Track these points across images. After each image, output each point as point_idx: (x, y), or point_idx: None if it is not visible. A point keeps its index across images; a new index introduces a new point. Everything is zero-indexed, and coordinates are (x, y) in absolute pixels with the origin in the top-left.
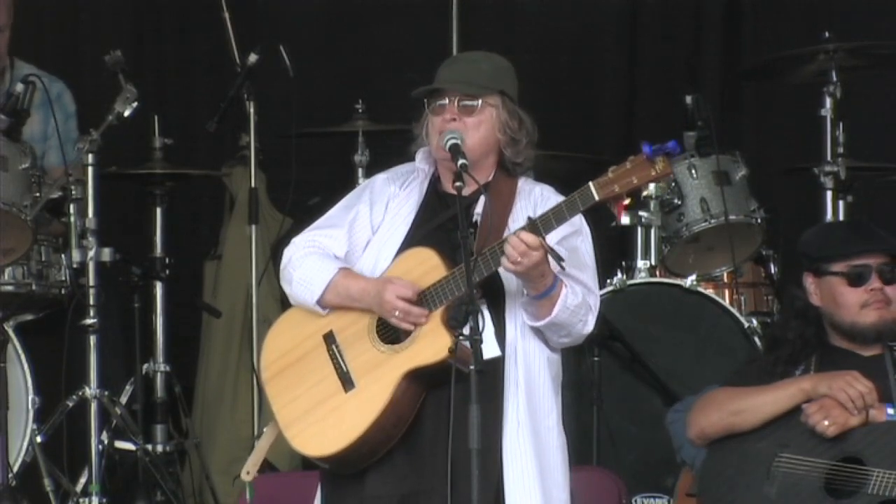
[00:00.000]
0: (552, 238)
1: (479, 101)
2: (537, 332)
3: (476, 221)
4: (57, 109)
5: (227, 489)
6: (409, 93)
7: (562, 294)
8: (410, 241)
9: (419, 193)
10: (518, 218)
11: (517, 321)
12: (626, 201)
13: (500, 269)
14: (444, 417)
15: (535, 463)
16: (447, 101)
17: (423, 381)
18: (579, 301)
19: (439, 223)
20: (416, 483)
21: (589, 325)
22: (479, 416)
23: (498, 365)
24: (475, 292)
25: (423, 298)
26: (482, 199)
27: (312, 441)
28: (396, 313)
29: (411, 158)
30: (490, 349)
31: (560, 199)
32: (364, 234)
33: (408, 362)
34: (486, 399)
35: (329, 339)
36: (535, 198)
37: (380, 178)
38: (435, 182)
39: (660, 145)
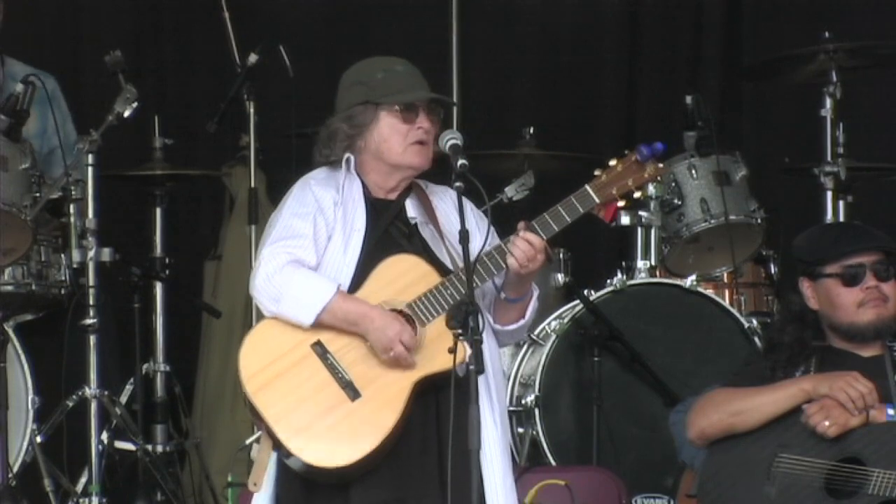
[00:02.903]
0: (481, 241)
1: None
2: (493, 332)
3: (415, 224)
4: (55, 108)
5: (235, 495)
6: None
7: (533, 297)
8: (367, 249)
9: (360, 199)
10: (444, 218)
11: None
12: (621, 203)
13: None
14: (432, 423)
15: (506, 461)
16: (419, 109)
17: (420, 388)
18: (538, 304)
19: (385, 228)
20: (400, 489)
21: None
22: (478, 416)
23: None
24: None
25: (423, 304)
26: (409, 203)
27: (326, 452)
28: (392, 353)
29: None
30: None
31: (465, 199)
32: (322, 241)
33: (420, 370)
34: (466, 402)
35: (319, 348)
36: (449, 196)
37: (311, 182)
38: (363, 188)
39: (651, 147)
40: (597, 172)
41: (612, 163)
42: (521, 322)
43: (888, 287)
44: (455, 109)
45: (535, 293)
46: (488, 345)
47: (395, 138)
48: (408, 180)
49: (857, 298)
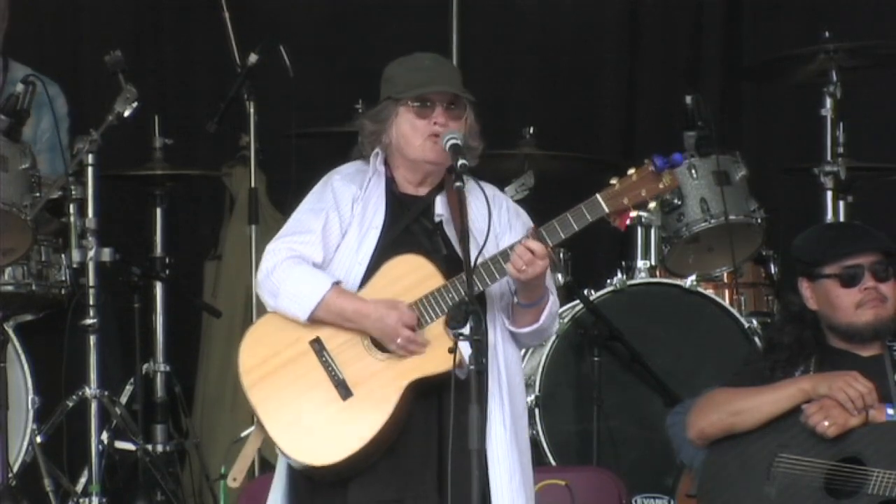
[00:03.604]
0: (514, 239)
1: (467, 106)
2: (511, 335)
3: (440, 222)
4: (53, 111)
5: (227, 489)
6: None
7: (549, 302)
8: (383, 246)
9: (381, 196)
10: (475, 216)
11: (497, 325)
12: (633, 214)
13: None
14: (433, 424)
15: (518, 465)
16: (435, 103)
17: (421, 389)
18: (557, 307)
19: (406, 225)
20: (399, 490)
21: (555, 329)
22: (479, 416)
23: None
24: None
25: (423, 306)
26: (439, 199)
27: (311, 450)
28: (399, 340)
29: None
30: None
31: (503, 196)
32: (335, 238)
33: (414, 371)
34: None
35: (317, 345)
36: (486, 195)
37: (335, 178)
38: (390, 183)
39: (667, 158)
40: (612, 181)
41: (630, 172)
42: (535, 326)
43: (887, 287)
44: None
45: (552, 298)
46: (504, 348)
47: (412, 133)
48: (434, 175)
49: (856, 299)
